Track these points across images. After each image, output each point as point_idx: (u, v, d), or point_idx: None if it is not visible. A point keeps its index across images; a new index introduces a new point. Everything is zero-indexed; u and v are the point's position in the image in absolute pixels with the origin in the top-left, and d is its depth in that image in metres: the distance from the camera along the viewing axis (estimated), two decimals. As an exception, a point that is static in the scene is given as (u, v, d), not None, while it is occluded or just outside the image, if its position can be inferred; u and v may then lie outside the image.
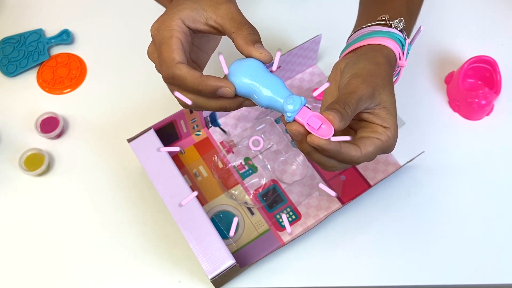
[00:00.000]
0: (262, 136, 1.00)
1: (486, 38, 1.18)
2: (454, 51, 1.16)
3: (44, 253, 0.96)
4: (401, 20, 0.65)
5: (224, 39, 0.72)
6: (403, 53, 0.64)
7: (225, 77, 0.61)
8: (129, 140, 0.93)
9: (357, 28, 0.69)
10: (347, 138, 0.54)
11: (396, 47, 0.63)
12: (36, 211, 1.00)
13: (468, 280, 0.93)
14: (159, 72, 0.61)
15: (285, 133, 1.04)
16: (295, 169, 1.02)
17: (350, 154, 0.56)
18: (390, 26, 0.66)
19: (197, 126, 1.04)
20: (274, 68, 0.61)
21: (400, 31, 0.65)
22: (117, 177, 1.02)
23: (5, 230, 0.98)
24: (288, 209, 0.98)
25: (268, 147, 1.02)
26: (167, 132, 0.98)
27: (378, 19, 0.65)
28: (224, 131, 1.06)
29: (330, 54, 1.12)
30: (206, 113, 1.02)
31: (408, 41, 0.66)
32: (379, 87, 0.58)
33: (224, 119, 1.06)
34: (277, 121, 1.05)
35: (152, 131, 0.93)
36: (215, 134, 1.05)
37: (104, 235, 0.97)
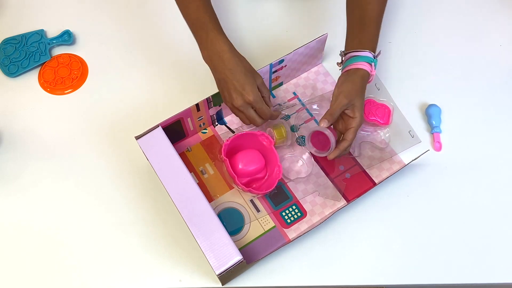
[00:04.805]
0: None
1: (485, 39, 1.24)
2: (453, 51, 1.22)
3: (46, 250, 1.00)
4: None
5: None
6: (372, 65, 1.01)
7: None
8: (137, 137, 0.98)
9: (347, 49, 1.04)
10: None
11: (367, 65, 1.00)
12: (39, 209, 1.04)
13: (468, 279, 0.98)
14: (256, 121, 1.00)
15: (292, 131, 1.10)
16: (300, 167, 1.07)
17: (345, 147, 0.99)
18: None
19: (203, 124, 1.09)
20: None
21: (370, 52, 1.01)
22: (120, 176, 1.07)
23: (8, 229, 1.02)
24: (294, 207, 1.03)
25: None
26: (174, 130, 1.03)
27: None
28: (230, 129, 1.11)
29: (336, 53, 1.17)
30: (212, 111, 1.07)
31: (378, 52, 1.04)
32: (353, 97, 0.98)
33: (230, 117, 1.12)
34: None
35: (159, 129, 0.99)
36: (221, 132, 1.11)
37: (107, 233, 1.02)
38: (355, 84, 0.99)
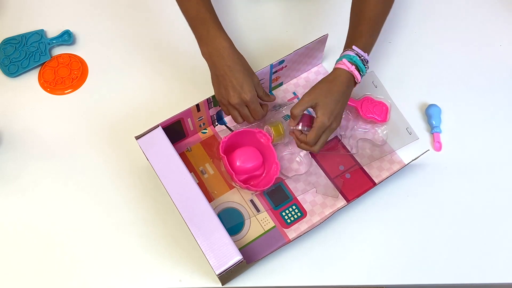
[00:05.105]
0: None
1: (485, 39, 1.24)
2: (453, 51, 1.22)
3: (46, 250, 1.00)
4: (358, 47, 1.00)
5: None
6: (352, 63, 0.98)
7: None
8: (137, 137, 0.98)
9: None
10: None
11: (345, 64, 0.98)
12: (39, 209, 1.04)
13: (468, 279, 0.98)
14: (249, 119, 1.02)
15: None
16: (298, 164, 1.08)
17: (303, 140, 0.99)
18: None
19: (203, 124, 1.09)
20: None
21: (353, 50, 0.98)
22: (120, 176, 1.07)
23: (8, 230, 1.02)
24: (294, 207, 1.03)
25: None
26: (174, 130, 1.03)
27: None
28: (230, 129, 1.11)
29: (336, 54, 1.15)
30: (212, 112, 1.07)
31: (366, 53, 1.00)
32: (317, 96, 0.96)
33: (230, 117, 1.11)
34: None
35: (159, 129, 0.99)
36: (221, 132, 1.11)
37: (106, 233, 1.02)
38: (323, 84, 0.98)
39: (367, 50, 1.00)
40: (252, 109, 1.00)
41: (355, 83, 1.00)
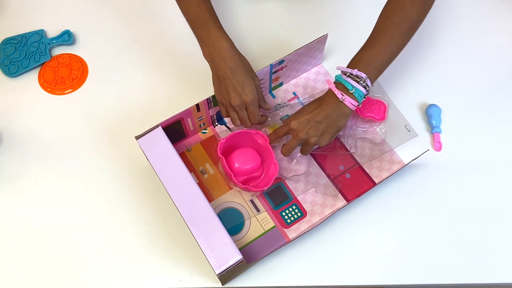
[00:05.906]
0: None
1: (485, 39, 1.24)
2: (452, 51, 1.22)
3: (46, 250, 1.00)
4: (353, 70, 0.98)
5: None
6: (335, 83, 0.98)
7: None
8: (137, 137, 0.98)
9: None
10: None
11: (330, 84, 0.99)
12: (39, 209, 1.04)
13: (468, 279, 0.98)
14: (247, 123, 1.03)
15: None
16: (297, 165, 1.08)
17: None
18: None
19: (203, 124, 1.09)
20: None
21: (346, 74, 0.97)
22: (120, 176, 1.07)
23: (8, 230, 1.03)
24: (294, 207, 1.03)
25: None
26: (174, 130, 1.03)
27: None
28: (230, 129, 1.12)
29: (335, 54, 1.18)
30: (212, 112, 1.07)
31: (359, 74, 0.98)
32: (299, 111, 1.01)
33: (230, 117, 1.12)
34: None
35: (159, 129, 0.99)
36: (221, 132, 1.11)
37: (107, 233, 1.02)
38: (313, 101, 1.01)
39: (359, 66, 0.97)
40: (250, 112, 1.00)
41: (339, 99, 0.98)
